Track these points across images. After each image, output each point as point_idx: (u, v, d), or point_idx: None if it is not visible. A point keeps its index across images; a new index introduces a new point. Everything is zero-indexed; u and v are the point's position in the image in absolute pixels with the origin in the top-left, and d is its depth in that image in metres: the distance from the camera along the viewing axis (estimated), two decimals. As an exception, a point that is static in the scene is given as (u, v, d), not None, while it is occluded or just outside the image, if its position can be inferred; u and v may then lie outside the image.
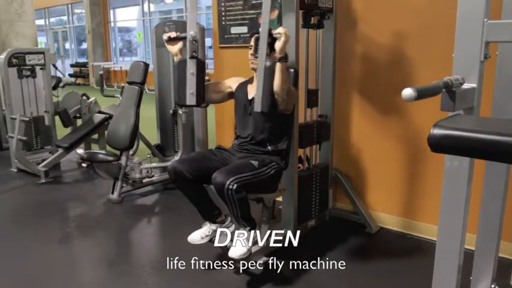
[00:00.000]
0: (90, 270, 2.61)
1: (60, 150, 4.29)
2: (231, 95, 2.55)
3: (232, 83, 2.55)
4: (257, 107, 2.12)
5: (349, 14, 2.92)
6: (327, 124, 2.97)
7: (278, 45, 2.09)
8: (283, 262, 2.53)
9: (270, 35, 2.09)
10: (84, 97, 4.88)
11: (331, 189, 3.12)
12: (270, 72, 2.06)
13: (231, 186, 2.07)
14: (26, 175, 4.35)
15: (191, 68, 2.28)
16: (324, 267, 2.47)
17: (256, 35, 2.15)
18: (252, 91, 2.42)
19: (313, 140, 2.88)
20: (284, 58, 2.11)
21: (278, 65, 2.09)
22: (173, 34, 2.35)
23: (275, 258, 2.55)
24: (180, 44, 2.34)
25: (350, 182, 3.10)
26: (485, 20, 1.13)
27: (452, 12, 1.21)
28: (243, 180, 2.12)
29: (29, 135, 4.46)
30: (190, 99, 2.32)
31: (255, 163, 2.25)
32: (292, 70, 2.50)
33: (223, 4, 3.59)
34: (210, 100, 2.57)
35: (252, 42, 2.35)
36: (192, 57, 2.26)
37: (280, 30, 2.09)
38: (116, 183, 3.60)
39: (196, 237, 2.42)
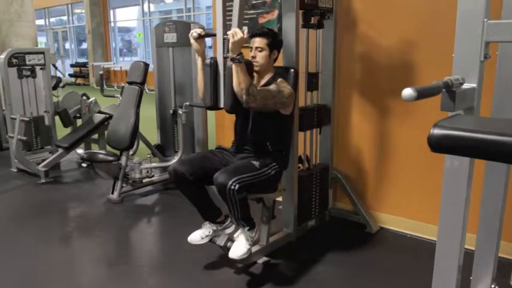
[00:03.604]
0: (90, 270, 2.61)
1: (60, 150, 4.29)
2: None
3: None
4: (223, 103, 2.12)
5: (349, 14, 2.92)
6: (327, 108, 2.96)
7: (229, 45, 2.06)
8: (283, 262, 2.54)
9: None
10: (84, 97, 4.88)
11: (331, 189, 3.12)
12: (229, 72, 2.05)
13: (233, 187, 2.08)
14: (26, 175, 4.35)
15: (226, 69, 2.13)
16: (324, 267, 2.47)
17: (226, 36, 2.12)
18: None
19: (314, 123, 2.87)
20: (236, 59, 2.06)
21: (234, 66, 2.07)
22: (202, 31, 2.23)
23: (275, 258, 2.56)
24: (205, 43, 2.30)
25: (350, 182, 3.10)
26: (485, 20, 1.13)
27: (452, 12, 1.21)
28: (245, 181, 2.12)
29: (29, 135, 4.45)
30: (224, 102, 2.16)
31: (256, 163, 2.25)
32: (292, 70, 2.50)
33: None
34: None
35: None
36: (225, 57, 2.10)
37: (231, 30, 2.06)
38: (116, 183, 3.60)
39: (196, 237, 2.42)
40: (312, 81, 2.84)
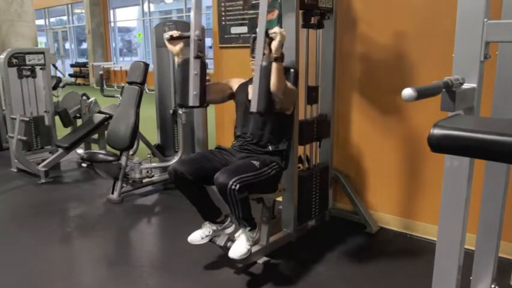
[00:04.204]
0: (90, 270, 2.61)
1: (60, 150, 4.29)
2: (231, 95, 2.55)
3: (233, 84, 2.55)
4: (253, 107, 2.10)
5: (349, 14, 2.92)
6: (327, 121, 2.97)
7: (273, 44, 2.06)
8: (283, 262, 2.54)
9: (267, 34, 2.08)
10: (84, 97, 4.88)
11: (331, 189, 3.12)
12: (266, 72, 2.04)
13: (233, 187, 2.07)
14: (26, 175, 4.35)
15: (195, 68, 2.20)
16: (324, 267, 2.47)
17: (253, 35, 2.14)
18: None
19: (313, 136, 2.88)
20: (280, 58, 2.09)
21: (274, 65, 2.07)
22: (175, 33, 2.29)
23: (275, 258, 2.56)
24: (181, 44, 2.30)
25: (350, 182, 3.10)
26: (485, 20, 1.13)
27: (452, 12, 1.21)
28: (246, 181, 2.12)
29: (29, 135, 4.45)
30: (194, 100, 2.23)
31: (256, 163, 2.25)
32: (292, 70, 2.50)
33: (223, 4, 3.59)
34: (211, 101, 2.55)
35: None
36: (197, 57, 2.18)
37: (276, 29, 2.07)
38: (116, 183, 3.60)
39: (197, 237, 2.42)
40: (312, 95, 2.84)
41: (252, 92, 2.10)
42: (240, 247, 2.26)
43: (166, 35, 2.28)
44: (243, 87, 2.49)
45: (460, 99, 1.11)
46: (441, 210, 1.24)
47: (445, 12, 2.35)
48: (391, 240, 2.84)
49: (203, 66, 2.23)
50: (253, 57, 2.15)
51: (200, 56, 2.19)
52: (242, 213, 2.20)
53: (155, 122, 4.20)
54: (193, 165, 2.30)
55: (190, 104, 2.24)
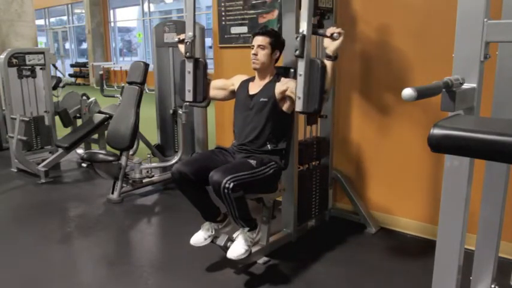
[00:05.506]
0: (90, 270, 2.61)
1: (60, 150, 4.29)
2: (234, 92, 2.55)
3: (235, 81, 2.56)
4: (303, 107, 2.10)
5: (349, 14, 2.92)
6: (326, 141, 2.98)
7: (335, 44, 2.13)
8: (283, 262, 2.54)
9: (316, 34, 2.16)
10: (84, 97, 4.88)
11: (331, 189, 3.12)
12: (323, 72, 2.09)
13: (227, 185, 2.06)
14: (26, 175, 4.35)
15: (188, 67, 2.47)
16: (323, 267, 2.47)
17: (300, 35, 2.12)
18: (254, 88, 2.42)
19: (313, 157, 2.89)
20: (337, 57, 2.17)
21: (331, 64, 2.14)
22: (182, 36, 2.51)
23: (275, 258, 2.56)
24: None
25: (350, 182, 3.10)
26: (485, 20, 1.13)
27: (453, 12, 1.21)
28: (240, 179, 2.10)
29: (29, 135, 4.45)
30: (188, 96, 2.51)
31: (253, 162, 2.24)
32: (292, 70, 2.50)
33: (223, 4, 3.59)
34: (213, 97, 2.63)
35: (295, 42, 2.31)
36: (187, 57, 2.45)
37: (338, 30, 2.13)
38: (116, 183, 3.60)
39: (199, 239, 2.42)
40: (312, 116, 2.84)
41: (302, 91, 2.10)
42: (237, 248, 2.26)
43: (176, 38, 2.59)
44: (244, 83, 2.49)
45: (460, 99, 1.11)
46: (441, 210, 1.24)
47: (445, 11, 2.35)
48: (391, 240, 2.84)
49: (200, 65, 2.47)
50: (301, 57, 2.12)
51: (189, 56, 2.46)
52: (238, 213, 2.19)
53: (155, 122, 4.21)
54: (196, 166, 2.29)
55: (185, 99, 2.54)
